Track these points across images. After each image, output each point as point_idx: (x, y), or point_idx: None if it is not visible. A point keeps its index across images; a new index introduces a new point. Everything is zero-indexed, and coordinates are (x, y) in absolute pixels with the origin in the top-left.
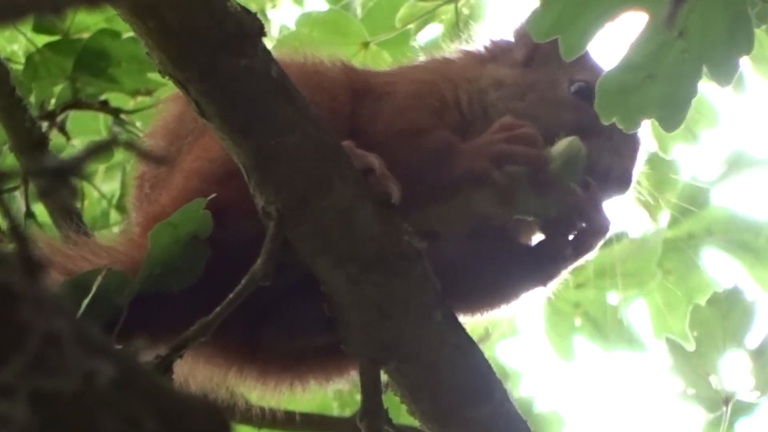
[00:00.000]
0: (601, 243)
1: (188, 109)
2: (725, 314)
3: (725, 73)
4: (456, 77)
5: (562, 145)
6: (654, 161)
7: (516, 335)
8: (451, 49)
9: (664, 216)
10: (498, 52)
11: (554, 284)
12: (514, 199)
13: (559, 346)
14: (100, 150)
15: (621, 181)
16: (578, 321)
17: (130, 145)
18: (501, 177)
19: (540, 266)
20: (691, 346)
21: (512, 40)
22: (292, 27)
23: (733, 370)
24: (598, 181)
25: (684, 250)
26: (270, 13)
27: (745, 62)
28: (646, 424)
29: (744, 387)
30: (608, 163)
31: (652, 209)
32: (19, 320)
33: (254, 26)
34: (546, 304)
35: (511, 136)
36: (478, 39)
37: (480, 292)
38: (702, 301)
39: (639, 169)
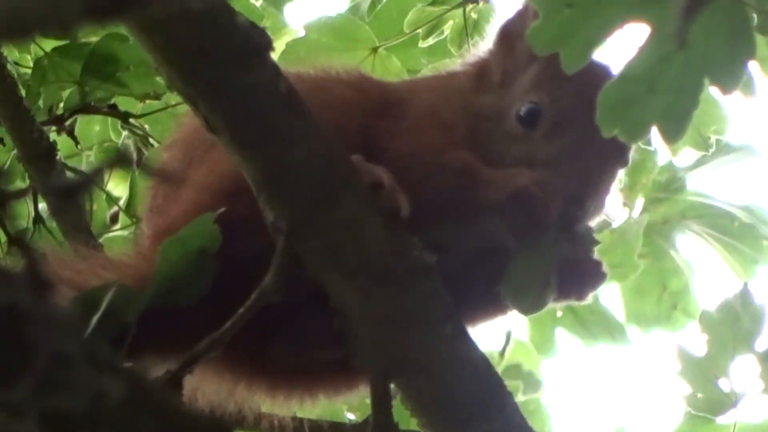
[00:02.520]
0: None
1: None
2: (735, 319)
3: (729, 80)
4: (458, 99)
5: None
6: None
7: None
8: (455, 66)
9: (640, 201)
10: (483, 74)
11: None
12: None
13: (541, 339)
14: (109, 167)
15: (579, 215)
16: (559, 313)
17: (142, 165)
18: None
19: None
20: (700, 351)
21: (489, 60)
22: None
23: (742, 374)
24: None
25: (659, 234)
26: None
27: (753, 66)
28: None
29: (753, 390)
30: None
31: (627, 195)
32: (28, 340)
33: (262, 41)
34: None
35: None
36: (479, 50)
37: (482, 303)
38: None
39: (607, 184)
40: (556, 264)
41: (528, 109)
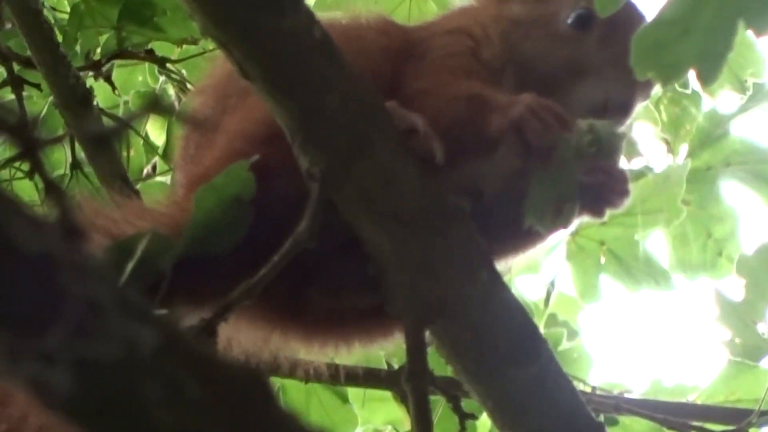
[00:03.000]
0: (623, 205)
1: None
2: None
3: (763, 23)
4: (484, 19)
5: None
6: (674, 94)
7: (538, 271)
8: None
9: (683, 148)
10: None
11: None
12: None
13: (584, 285)
14: (144, 113)
15: (619, 111)
16: (603, 259)
17: (171, 113)
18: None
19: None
20: (737, 296)
21: None
22: None
23: None
24: (596, 114)
25: (703, 181)
26: None
27: None
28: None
29: None
30: (603, 97)
31: (671, 141)
32: (60, 287)
33: None
34: (570, 242)
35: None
36: None
37: (511, 239)
38: (721, 232)
39: (643, 98)
40: (575, 181)
41: (582, 13)
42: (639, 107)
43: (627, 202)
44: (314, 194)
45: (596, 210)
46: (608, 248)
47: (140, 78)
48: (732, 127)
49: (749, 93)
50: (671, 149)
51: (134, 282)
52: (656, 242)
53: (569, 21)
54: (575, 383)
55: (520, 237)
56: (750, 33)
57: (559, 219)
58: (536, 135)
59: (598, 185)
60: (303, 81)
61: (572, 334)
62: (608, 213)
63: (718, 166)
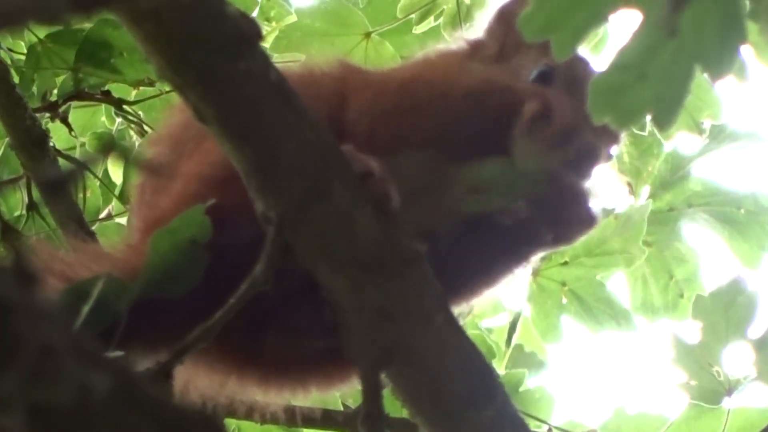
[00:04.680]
0: (583, 235)
1: (191, 116)
2: (728, 305)
3: (719, 68)
4: (444, 68)
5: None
6: (636, 135)
7: (501, 313)
8: (432, 50)
9: (645, 189)
10: (474, 51)
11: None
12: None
13: (546, 326)
14: (97, 159)
15: (586, 158)
16: (564, 300)
17: (126, 158)
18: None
19: (519, 249)
20: (693, 338)
21: (484, 36)
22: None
23: (735, 361)
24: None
25: (665, 222)
26: None
27: (747, 51)
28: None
29: (746, 378)
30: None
31: (633, 182)
32: (15, 332)
33: (252, 30)
34: (531, 282)
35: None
36: (458, 40)
37: (468, 282)
38: (683, 273)
39: (612, 143)
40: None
41: (544, 70)
42: (610, 151)
43: (586, 233)
44: (270, 237)
45: (567, 236)
46: (570, 289)
47: (95, 119)
48: (693, 169)
49: (705, 135)
50: (633, 190)
51: (89, 325)
52: (618, 283)
53: (531, 77)
54: (536, 424)
55: (479, 278)
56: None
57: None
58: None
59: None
60: (259, 125)
61: (539, 365)
62: (568, 245)
63: (680, 207)
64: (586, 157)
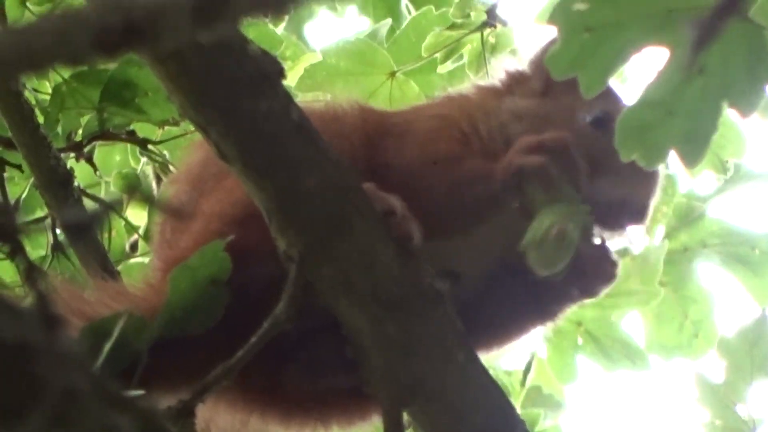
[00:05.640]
0: (606, 290)
1: (211, 153)
2: (753, 344)
3: (748, 104)
4: (474, 111)
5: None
6: None
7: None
8: (467, 86)
9: (660, 229)
10: (514, 84)
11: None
12: (555, 182)
13: (561, 366)
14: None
15: (636, 216)
16: (580, 340)
17: (150, 201)
18: (537, 158)
19: (547, 305)
20: (718, 377)
21: (528, 70)
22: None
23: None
24: (615, 215)
25: (680, 262)
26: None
27: None
28: None
29: None
30: (623, 197)
31: (649, 223)
32: (38, 376)
33: (274, 68)
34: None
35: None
36: (497, 72)
37: (493, 330)
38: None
39: (655, 198)
40: (581, 230)
41: (601, 116)
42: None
43: (609, 287)
44: (292, 275)
45: (592, 289)
46: (585, 329)
47: (117, 156)
48: (709, 209)
49: (729, 173)
50: (648, 230)
51: (111, 364)
52: (632, 322)
53: (588, 119)
54: None
55: (504, 329)
56: (730, 112)
57: (555, 256)
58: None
59: (589, 259)
60: (281, 163)
61: (556, 406)
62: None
63: (695, 247)
64: (636, 219)
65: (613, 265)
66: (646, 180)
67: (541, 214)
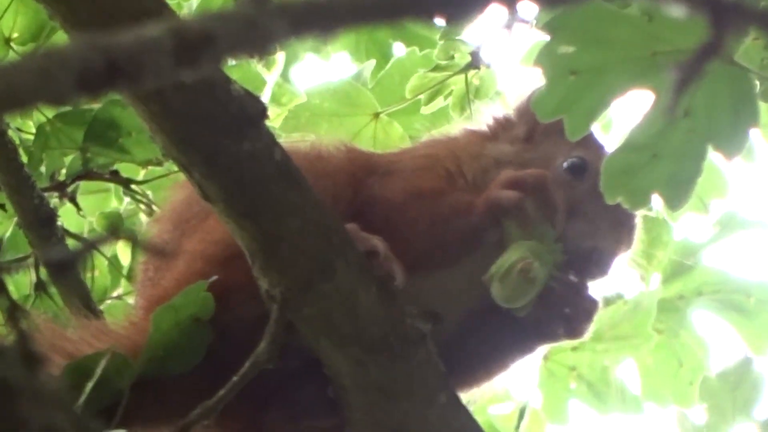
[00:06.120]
0: (590, 327)
1: (195, 193)
2: (735, 386)
3: (732, 147)
4: (460, 153)
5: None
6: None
7: (509, 399)
8: (455, 128)
9: (656, 276)
10: (500, 129)
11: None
12: (531, 218)
13: (554, 410)
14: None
15: (601, 266)
16: (573, 384)
17: (132, 240)
18: (514, 196)
19: (529, 342)
20: (700, 419)
21: (514, 116)
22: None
23: None
24: (581, 263)
25: (675, 310)
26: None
27: (754, 132)
28: None
29: None
30: (591, 246)
31: (644, 269)
32: (19, 414)
33: (257, 109)
34: (541, 367)
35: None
36: (483, 115)
37: (474, 368)
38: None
39: (628, 251)
40: (551, 267)
41: (577, 162)
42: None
43: (589, 329)
44: (274, 316)
45: (574, 329)
46: (578, 373)
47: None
48: (703, 257)
49: (712, 215)
50: (643, 276)
51: (93, 402)
52: (626, 369)
53: (565, 165)
54: None
55: (486, 366)
56: (712, 154)
57: (519, 291)
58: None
59: (564, 297)
60: (264, 204)
61: None
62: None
63: (690, 295)
64: (601, 268)
65: (591, 302)
66: (617, 232)
67: (510, 248)
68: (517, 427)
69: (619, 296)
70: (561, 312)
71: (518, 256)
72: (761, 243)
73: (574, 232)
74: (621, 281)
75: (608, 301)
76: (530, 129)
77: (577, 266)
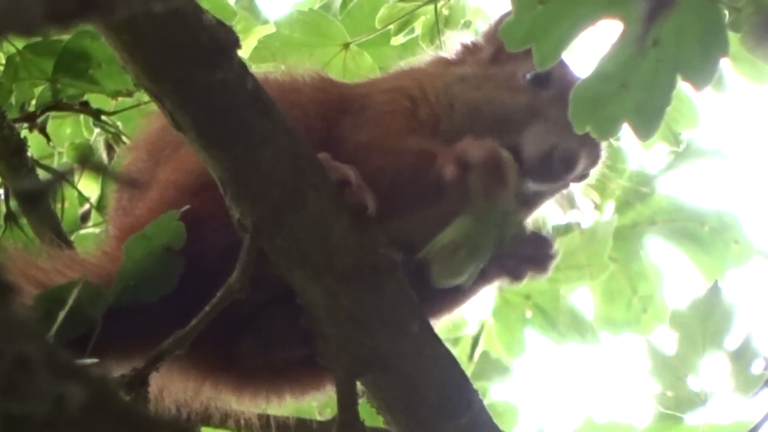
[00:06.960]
0: (552, 265)
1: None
2: (705, 316)
3: (701, 78)
4: (424, 78)
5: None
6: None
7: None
8: (422, 57)
9: (610, 205)
10: (467, 54)
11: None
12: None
13: (510, 339)
14: (74, 170)
15: (567, 162)
16: (529, 313)
17: (103, 171)
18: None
19: (499, 277)
20: (670, 350)
21: (482, 41)
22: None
23: (712, 372)
24: (546, 163)
25: (629, 238)
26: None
27: (724, 62)
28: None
29: (723, 389)
30: (552, 143)
31: (598, 198)
32: None
33: (229, 39)
34: (496, 297)
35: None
36: (452, 45)
37: (442, 298)
38: (645, 289)
39: (591, 160)
40: (493, 244)
41: (539, 73)
42: (590, 171)
43: (553, 265)
44: (246, 245)
45: (516, 274)
46: (534, 302)
47: (70, 127)
48: (659, 185)
49: (682, 146)
50: (598, 206)
51: (65, 332)
52: (581, 296)
53: (528, 77)
54: None
55: (452, 293)
56: (684, 85)
57: (456, 270)
58: (488, 185)
59: (526, 255)
60: (235, 133)
61: (503, 371)
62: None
63: (644, 223)
64: (565, 165)
65: (551, 254)
66: (580, 134)
67: (450, 226)
68: (472, 354)
69: (576, 225)
70: (528, 258)
71: (452, 238)
72: (716, 172)
73: (536, 133)
74: (576, 210)
75: (564, 230)
76: (496, 51)
77: (543, 169)
